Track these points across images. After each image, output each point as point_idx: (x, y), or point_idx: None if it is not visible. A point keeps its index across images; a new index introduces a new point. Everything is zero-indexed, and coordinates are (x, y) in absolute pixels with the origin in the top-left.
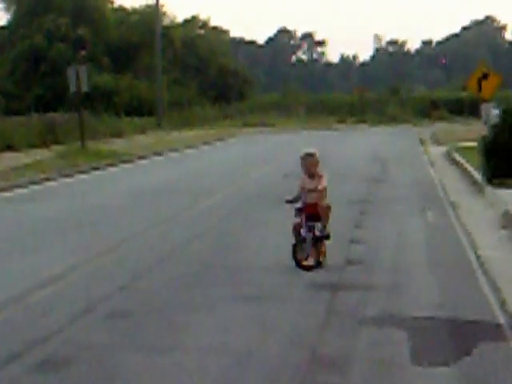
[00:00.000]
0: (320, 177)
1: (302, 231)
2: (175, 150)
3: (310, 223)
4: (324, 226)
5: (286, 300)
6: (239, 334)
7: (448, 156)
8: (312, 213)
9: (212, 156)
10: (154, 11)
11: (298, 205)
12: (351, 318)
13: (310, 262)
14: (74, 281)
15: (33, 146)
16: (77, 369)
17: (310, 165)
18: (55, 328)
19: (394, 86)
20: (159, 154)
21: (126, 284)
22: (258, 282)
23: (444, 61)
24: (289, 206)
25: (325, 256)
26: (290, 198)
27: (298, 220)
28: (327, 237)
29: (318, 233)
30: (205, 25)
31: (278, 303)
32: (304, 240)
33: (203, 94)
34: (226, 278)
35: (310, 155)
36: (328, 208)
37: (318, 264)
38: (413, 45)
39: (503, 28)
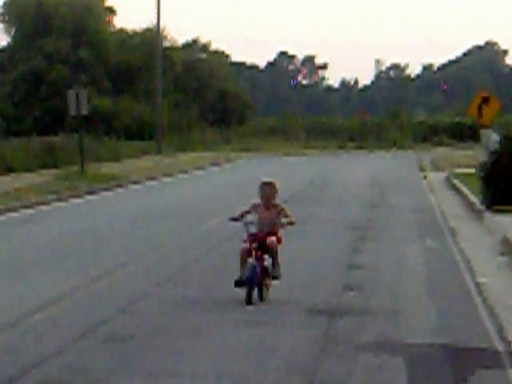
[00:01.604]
0: (276, 207)
1: (249, 260)
2: (172, 174)
3: (261, 254)
4: (274, 265)
5: (283, 325)
6: (237, 359)
7: (447, 182)
8: (264, 243)
9: (213, 179)
10: (155, 34)
11: (253, 230)
12: (349, 344)
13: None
14: (71, 305)
15: (32, 168)
16: None
17: (266, 195)
18: (52, 352)
19: (394, 110)
20: (155, 178)
21: (123, 308)
22: (256, 307)
23: (445, 87)
24: (286, 231)
25: (268, 290)
26: (235, 216)
27: (245, 245)
28: (275, 277)
29: (268, 265)
30: (205, 48)
31: (276, 328)
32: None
33: (203, 118)
34: (225, 302)
35: (268, 184)
36: (279, 241)
37: (261, 299)
38: (413, 69)
39: (504, 53)
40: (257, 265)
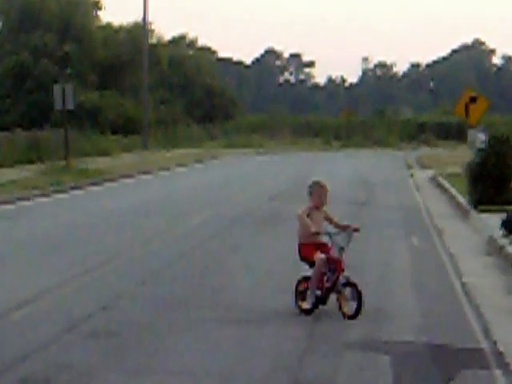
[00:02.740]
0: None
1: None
2: (164, 169)
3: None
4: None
5: (269, 323)
6: (222, 357)
7: (434, 181)
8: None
9: (197, 177)
10: (141, 29)
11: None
12: (334, 343)
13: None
14: (55, 300)
15: (17, 162)
16: None
17: (321, 194)
18: (35, 347)
19: (380, 109)
20: (145, 173)
21: (107, 304)
22: (240, 305)
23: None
24: (273, 229)
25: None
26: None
27: (323, 257)
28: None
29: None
30: (192, 44)
31: (261, 326)
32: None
33: (189, 114)
34: (209, 301)
35: (320, 183)
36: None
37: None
38: (401, 68)
39: (491, 52)
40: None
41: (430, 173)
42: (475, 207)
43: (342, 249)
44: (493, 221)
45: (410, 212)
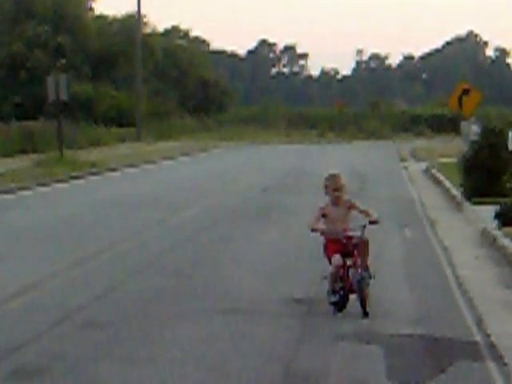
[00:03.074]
0: (346, 203)
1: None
2: (153, 161)
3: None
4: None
5: (262, 314)
6: (214, 348)
7: (427, 172)
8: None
9: (191, 168)
10: (135, 20)
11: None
12: (327, 334)
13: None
14: (48, 291)
15: (11, 153)
16: (50, 379)
17: (336, 189)
18: (29, 337)
19: (374, 100)
20: (136, 165)
21: (101, 294)
22: (234, 296)
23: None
24: (266, 221)
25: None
26: (317, 227)
27: (339, 261)
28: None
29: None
30: (186, 35)
31: (254, 317)
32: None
33: (183, 106)
34: (202, 291)
35: (336, 176)
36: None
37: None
38: (394, 59)
39: (485, 44)
40: (365, 277)
41: (423, 165)
42: (469, 199)
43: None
44: (486, 213)
45: (403, 204)
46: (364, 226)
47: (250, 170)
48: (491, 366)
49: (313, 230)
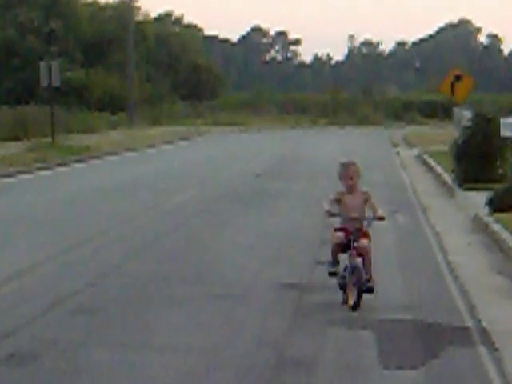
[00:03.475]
0: (363, 194)
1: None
2: (149, 146)
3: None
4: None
5: (254, 299)
6: (206, 333)
7: (420, 159)
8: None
9: (184, 154)
10: (128, 6)
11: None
12: (319, 319)
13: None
14: (40, 277)
15: (3, 139)
16: (43, 364)
17: (350, 176)
18: (21, 323)
19: (366, 87)
20: (130, 150)
21: (92, 281)
22: (226, 281)
23: (418, 65)
24: (259, 206)
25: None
26: (331, 211)
27: (340, 236)
28: (370, 290)
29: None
30: (178, 22)
31: (246, 303)
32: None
33: (175, 91)
34: (194, 276)
35: (349, 163)
36: (369, 239)
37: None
38: (387, 46)
39: (478, 31)
40: (361, 269)
41: (415, 151)
42: (460, 185)
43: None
44: (478, 199)
45: (395, 190)
46: (371, 220)
47: (241, 155)
48: (482, 351)
49: (330, 215)
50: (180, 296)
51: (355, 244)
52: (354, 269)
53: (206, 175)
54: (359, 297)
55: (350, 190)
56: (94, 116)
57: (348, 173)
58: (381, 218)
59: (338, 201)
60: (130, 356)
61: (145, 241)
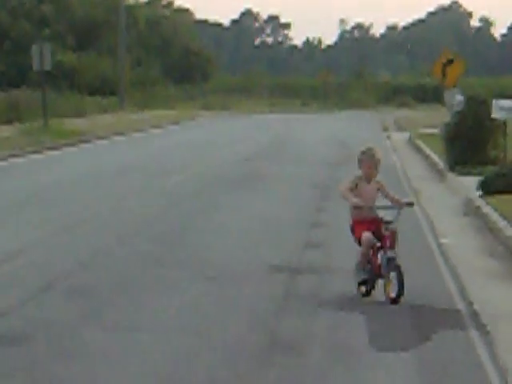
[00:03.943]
0: (377, 182)
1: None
2: (140, 130)
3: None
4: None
5: (245, 282)
6: (198, 315)
7: (410, 142)
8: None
9: (175, 137)
10: None
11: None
12: (310, 301)
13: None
14: (31, 258)
15: None
16: (36, 345)
17: (370, 165)
18: (13, 305)
19: (357, 70)
20: (121, 134)
21: (86, 261)
22: (217, 264)
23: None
24: (250, 189)
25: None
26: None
27: (371, 238)
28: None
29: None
30: (169, 5)
31: (238, 285)
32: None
33: (166, 75)
34: (187, 259)
35: (370, 151)
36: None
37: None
38: (378, 29)
39: (469, 15)
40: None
41: (406, 135)
42: (452, 168)
43: (387, 223)
44: (469, 182)
45: (386, 173)
46: (399, 209)
47: (232, 139)
48: (474, 334)
49: (356, 207)
50: (171, 278)
51: (386, 232)
52: (389, 260)
53: (197, 158)
54: (402, 288)
55: (369, 178)
56: (85, 100)
57: (372, 161)
58: (409, 204)
59: (356, 187)
60: (122, 338)
61: (136, 223)
